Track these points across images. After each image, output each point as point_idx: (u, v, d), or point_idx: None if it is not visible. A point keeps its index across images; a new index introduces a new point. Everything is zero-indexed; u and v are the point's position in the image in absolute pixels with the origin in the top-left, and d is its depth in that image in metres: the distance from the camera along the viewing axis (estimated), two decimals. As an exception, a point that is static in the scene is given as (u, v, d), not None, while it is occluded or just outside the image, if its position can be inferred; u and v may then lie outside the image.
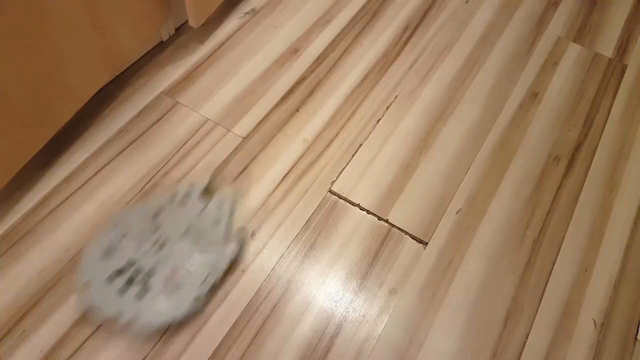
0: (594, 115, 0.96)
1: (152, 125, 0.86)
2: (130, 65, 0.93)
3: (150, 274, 0.65)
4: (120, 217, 0.71)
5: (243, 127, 0.87)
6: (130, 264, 0.66)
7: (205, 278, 0.67)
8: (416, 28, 1.06)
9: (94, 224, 0.75)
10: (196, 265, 0.66)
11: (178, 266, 0.66)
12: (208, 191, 0.75)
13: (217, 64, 0.95)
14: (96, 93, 0.87)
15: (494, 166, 0.87)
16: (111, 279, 0.65)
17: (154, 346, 0.66)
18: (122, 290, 0.65)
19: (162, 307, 0.64)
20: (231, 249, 0.69)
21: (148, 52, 0.95)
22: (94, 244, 0.69)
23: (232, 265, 0.71)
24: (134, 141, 0.84)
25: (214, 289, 0.69)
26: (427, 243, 0.78)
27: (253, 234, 0.76)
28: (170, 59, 0.95)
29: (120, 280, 0.65)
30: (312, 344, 0.68)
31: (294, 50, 0.99)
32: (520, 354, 0.70)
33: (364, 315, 0.71)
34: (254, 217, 0.78)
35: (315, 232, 0.77)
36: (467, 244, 0.78)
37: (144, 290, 0.65)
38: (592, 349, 0.71)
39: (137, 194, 0.78)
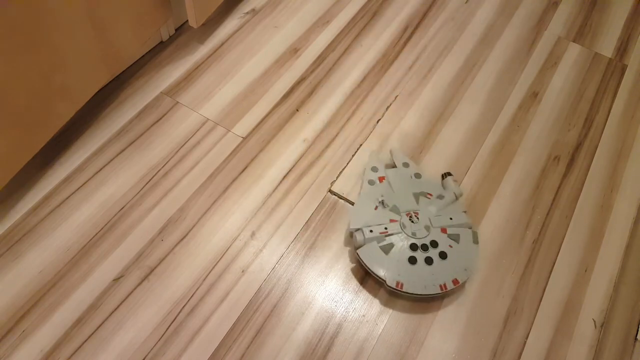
0: (594, 115, 0.96)
1: (152, 125, 0.86)
2: (130, 65, 0.93)
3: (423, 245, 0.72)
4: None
5: (243, 127, 0.87)
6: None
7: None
8: (416, 28, 1.06)
9: (94, 223, 0.75)
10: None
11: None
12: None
13: (217, 64, 0.95)
14: (96, 93, 0.87)
15: (494, 166, 0.87)
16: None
17: (153, 346, 0.66)
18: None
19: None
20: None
21: (148, 52, 0.95)
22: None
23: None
24: (134, 141, 0.84)
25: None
26: (427, 243, 0.78)
27: (253, 234, 0.76)
28: (170, 59, 0.95)
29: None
30: (312, 344, 0.68)
31: (294, 50, 0.99)
32: (520, 354, 0.70)
33: (364, 315, 0.71)
34: (254, 217, 0.78)
35: (315, 232, 0.77)
36: (467, 244, 0.78)
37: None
38: (592, 349, 0.71)
39: (137, 194, 0.78)
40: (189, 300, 0.70)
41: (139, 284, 0.71)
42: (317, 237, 0.77)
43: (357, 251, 0.71)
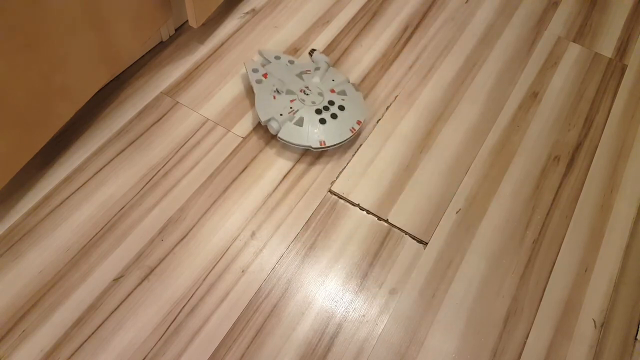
0: (594, 115, 0.96)
1: (152, 125, 0.86)
2: (130, 65, 0.93)
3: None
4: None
5: (243, 127, 0.87)
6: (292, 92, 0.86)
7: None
8: (416, 28, 1.06)
9: (94, 223, 0.75)
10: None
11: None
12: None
13: (217, 64, 0.95)
14: (96, 93, 0.87)
15: (494, 166, 0.87)
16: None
17: (153, 346, 0.66)
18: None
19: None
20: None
21: (148, 52, 0.95)
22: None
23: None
24: (134, 141, 0.84)
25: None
26: (427, 243, 0.78)
27: (253, 234, 0.76)
28: (170, 59, 0.95)
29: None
30: (312, 344, 0.68)
31: (294, 50, 0.99)
32: (520, 354, 0.70)
33: (364, 315, 0.71)
34: (254, 217, 0.78)
35: (315, 232, 0.77)
36: (467, 244, 0.79)
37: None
38: (592, 349, 0.71)
39: (137, 194, 0.78)
40: (189, 300, 0.70)
41: (139, 284, 0.71)
42: (317, 237, 0.77)
43: (279, 136, 0.82)
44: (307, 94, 0.85)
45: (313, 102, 0.84)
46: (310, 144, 0.81)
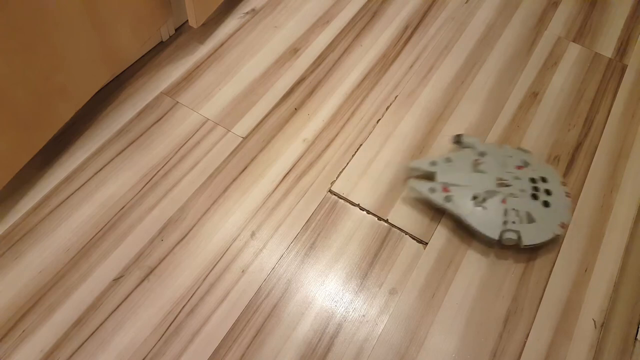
0: (594, 115, 0.96)
1: (152, 125, 0.86)
2: (130, 65, 0.93)
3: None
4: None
5: (243, 127, 0.87)
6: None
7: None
8: (416, 28, 1.06)
9: (94, 223, 0.75)
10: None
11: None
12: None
13: (217, 64, 0.95)
14: (96, 93, 0.87)
15: (494, 166, 0.87)
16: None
17: (153, 346, 0.66)
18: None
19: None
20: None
21: (148, 52, 0.95)
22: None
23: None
24: (134, 141, 0.84)
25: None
26: (427, 243, 0.78)
27: (253, 234, 0.76)
28: (170, 59, 0.95)
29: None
30: (312, 344, 0.68)
31: (294, 50, 0.99)
32: (520, 354, 0.70)
33: (364, 315, 0.71)
34: (254, 217, 0.78)
35: (315, 232, 0.77)
36: (467, 244, 0.78)
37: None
38: (592, 349, 0.71)
39: (137, 194, 0.78)
40: (189, 300, 0.70)
41: (139, 284, 0.71)
42: (317, 237, 0.77)
43: (524, 244, 0.75)
44: (509, 185, 0.78)
45: (522, 190, 0.78)
46: (554, 231, 0.76)
